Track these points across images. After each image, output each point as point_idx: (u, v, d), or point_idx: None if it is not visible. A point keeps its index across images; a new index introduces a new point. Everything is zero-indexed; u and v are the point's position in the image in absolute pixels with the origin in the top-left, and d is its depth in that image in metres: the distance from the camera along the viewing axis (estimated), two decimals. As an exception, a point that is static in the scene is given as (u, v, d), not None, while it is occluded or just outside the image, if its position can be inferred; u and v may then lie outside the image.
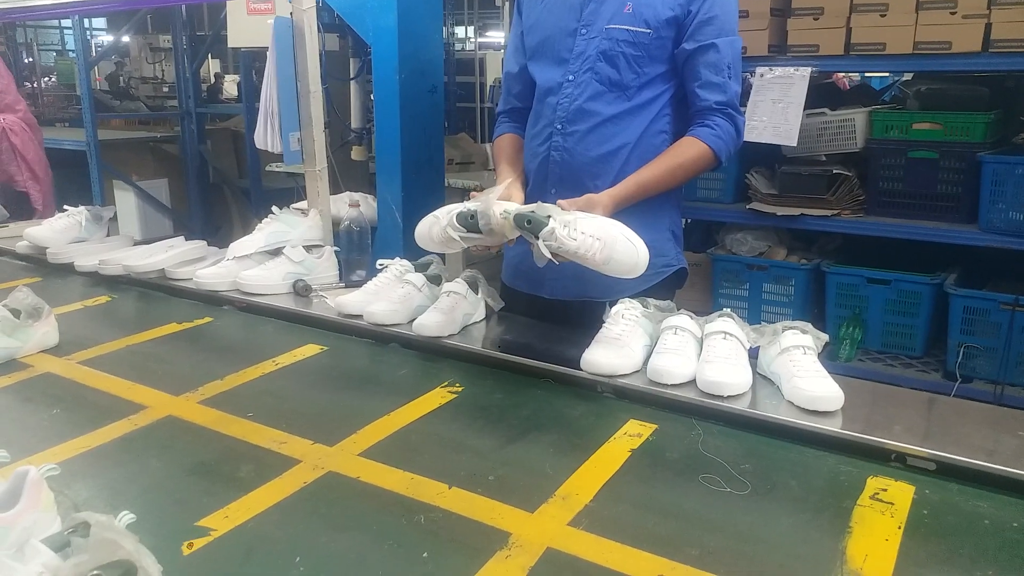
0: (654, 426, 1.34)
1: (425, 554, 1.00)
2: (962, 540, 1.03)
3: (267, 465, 1.22)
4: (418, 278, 1.89)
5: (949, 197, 3.39)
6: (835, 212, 3.56)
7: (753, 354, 1.56)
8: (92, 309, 2.03)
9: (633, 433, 1.32)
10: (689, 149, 1.74)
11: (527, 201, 1.79)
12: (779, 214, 3.62)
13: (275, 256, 2.16)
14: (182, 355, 1.73)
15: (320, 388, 1.57)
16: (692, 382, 1.48)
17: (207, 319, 1.94)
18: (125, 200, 4.71)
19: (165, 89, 7.29)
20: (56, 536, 0.86)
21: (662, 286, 1.85)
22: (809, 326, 1.56)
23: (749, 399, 1.43)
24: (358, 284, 2.10)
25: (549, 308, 1.89)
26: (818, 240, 4.01)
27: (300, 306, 2.01)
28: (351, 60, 3.23)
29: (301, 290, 2.08)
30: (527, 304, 1.92)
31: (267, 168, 4.65)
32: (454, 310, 1.76)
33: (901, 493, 1.13)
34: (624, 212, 1.66)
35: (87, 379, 1.56)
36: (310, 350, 1.72)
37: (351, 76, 3.19)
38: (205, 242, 2.39)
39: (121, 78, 7.53)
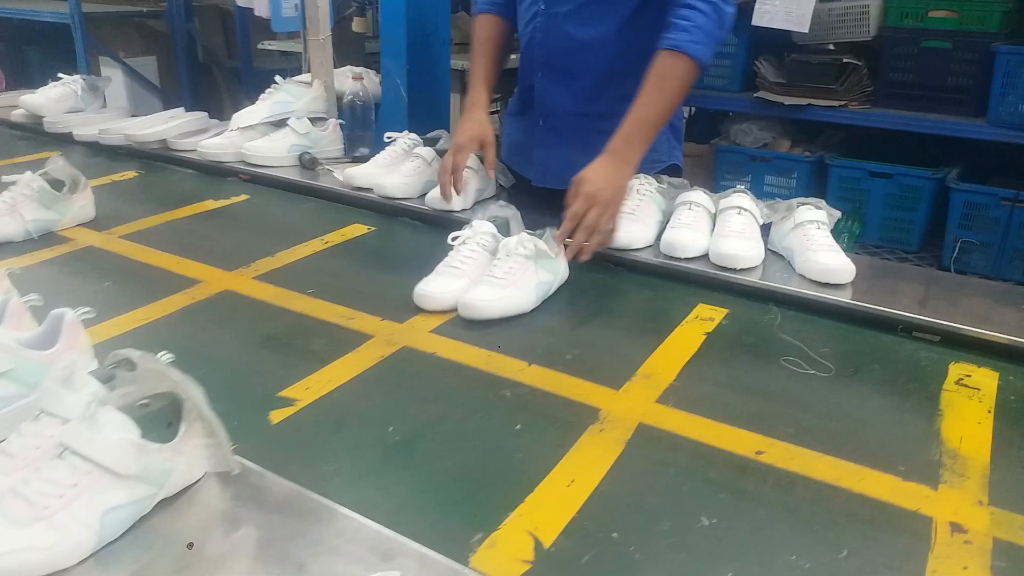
0: (724, 310, 1.32)
1: (518, 426, 0.99)
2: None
3: (339, 339, 1.19)
4: (428, 152, 1.85)
5: (960, 89, 3.34)
6: (843, 103, 3.51)
7: (764, 231, 1.57)
8: (121, 184, 1.95)
9: (704, 317, 1.30)
10: (677, 68, 1.52)
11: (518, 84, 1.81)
12: (786, 103, 3.56)
13: (279, 127, 2.11)
14: (225, 232, 1.67)
15: (377, 268, 1.53)
16: (705, 256, 1.48)
17: (244, 196, 1.87)
18: (112, 77, 4.55)
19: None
20: (101, 369, 0.86)
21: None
22: (823, 202, 1.57)
23: (767, 275, 1.43)
24: (363, 159, 2.07)
25: (547, 193, 1.83)
26: (823, 132, 3.96)
27: (306, 178, 1.99)
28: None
29: (307, 162, 2.04)
30: (528, 186, 1.86)
31: (259, 47, 4.49)
32: (467, 184, 1.74)
33: (986, 379, 1.13)
34: (622, 106, 1.55)
35: (133, 253, 1.50)
36: (357, 229, 1.67)
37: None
38: (206, 113, 2.33)
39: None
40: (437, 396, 1.06)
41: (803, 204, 1.56)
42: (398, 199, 1.78)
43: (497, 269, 1.29)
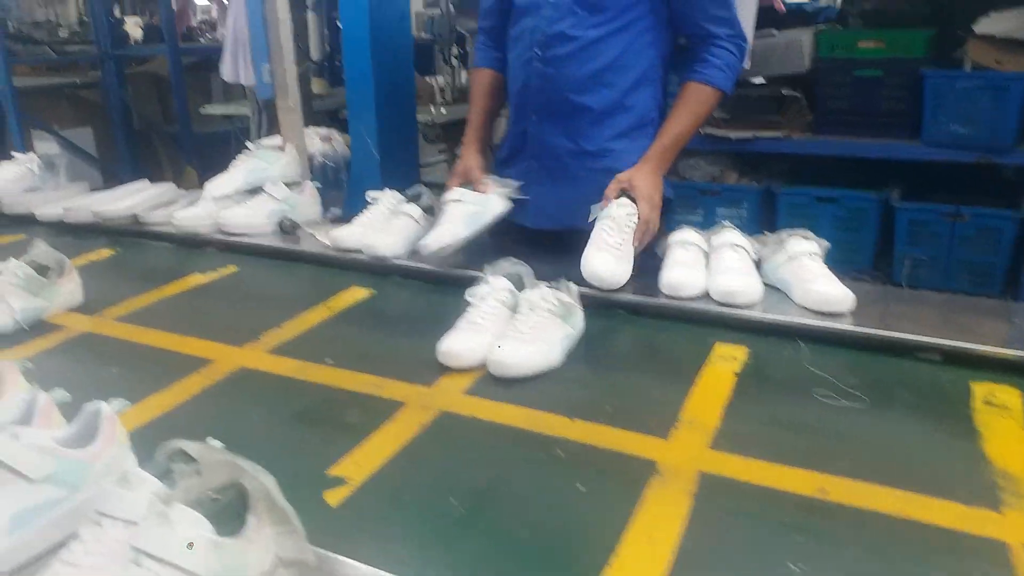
0: (744, 347, 1.34)
1: (579, 485, 0.97)
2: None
3: (373, 409, 1.16)
4: (414, 209, 1.85)
5: (894, 113, 3.51)
6: (785, 133, 3.65)
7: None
8: (99, 263, 1.88)
9: (727, 356, 1.32)
10: (706, 97, 1.72)
11: (509, 129, 1.90)
12: (733, 137, 3.68)
13: (254, 194, 2.08)
14: (222, 305, 1.63)
15: (388, 330, 1.50)
16: (704, 295, 1.51)
17: (231, 267, 1.82)
18: (47, 151, 4.42)
19: (64, 34, 6.78)
20: (155, 463, 0.82)
21: None
22: (810, 233, 1.62)
23: (767, 308, 1.46)
24: (341, 220, 2.05)
25: (536, 237, 1.86)
26: (766, 163, 4.10)
27: (287, 243, 1.96)
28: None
29: (288, 227, 2.01)
30: (516, 232, 1.88)
31: (202, 111, 4.43)
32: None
33: (1010, 397, 1.17)
34: (614, 143, 1.75)
35: (133, 336, 1.44)
36: (357, 292, 1.64)
37: (308, 6, 3.04)
38: (173, 184, 2.27)
39: (10, 23, 6.89)
40: (489, 461, 1.05)
41: (793, 236, 1.60)
42: (389, 258, 1.76)
43: (522, 324, 1.29)
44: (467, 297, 1.37)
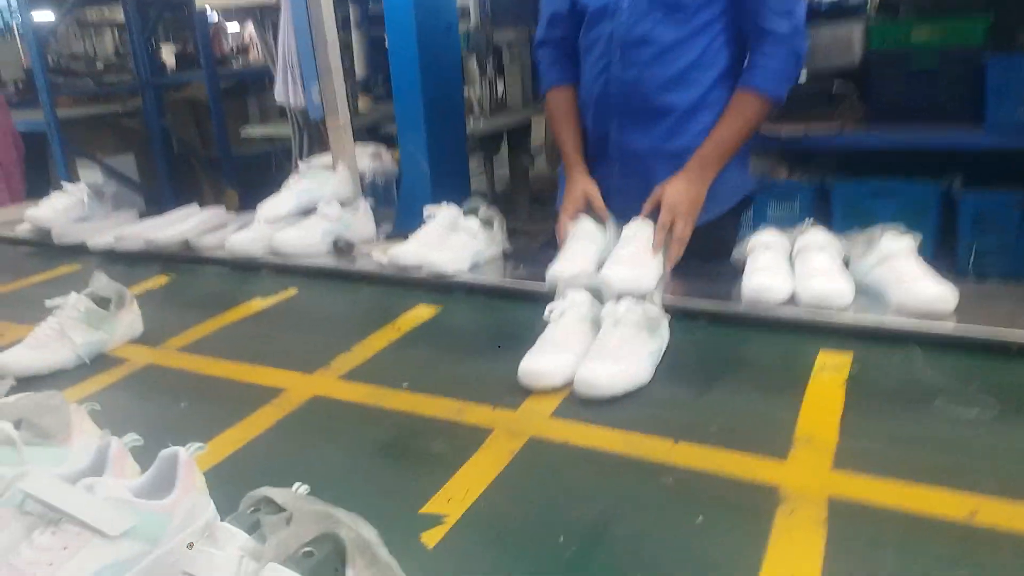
0: (850, 353, 1.25)
1: (699, 518, 0.89)
2: None
3: (458, 437, 1.09)
4: (473, 223, 1.79)
5: (953, 102, 3.38)
6: (838, 127, 3.53)
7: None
8: (156, 292, 1.84)
9: (832, 365, 1.22)
10: (755, 105, 1.65)
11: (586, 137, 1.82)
12: (783, 134, 3.57)
13: (307, 215, 2.03)
14: (287, 330, 1.56)
15: (463, 350, 1.42)
16: (790, 300, 1.41)
17: (291, 290, 1.76)
18: (91, 179, 4.45)
19: (101, 65, 6.90)
20: (242, 515, 0.76)
21: (733, 212, 1.80)
22: (902, 227, 1.52)
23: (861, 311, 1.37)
24: (395, 236, 1.99)
25: None
26: (816, 159, 3.98)
27: (344, 264, 1.90)
28: (350, 7, 3.03)
29: (344, 247, 1.96)
30: None
31: (242, 133, 4.43)
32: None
33: None
34: (698, 141, 1.68)
35: (198, 367, 1.39)
36: (424, 311, 1.58)
37: (352, 24, 3.00)
38: (223, 207, 2.24)
39: (49, 57, 7.07)
40: (593, 492, 0.96)
41: (886, 233, 1.50)
42: (450, 275, 1.70)
43: (608, 340, 1.21)
44: (547, 313, 1.30)
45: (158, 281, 1.92)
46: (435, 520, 0.92)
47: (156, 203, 4.74)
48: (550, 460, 1.04)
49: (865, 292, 1.43)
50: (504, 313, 1.57)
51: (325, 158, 2.21)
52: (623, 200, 1.75)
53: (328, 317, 1.67)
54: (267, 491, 0.76)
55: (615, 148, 1.77)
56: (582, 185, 1.74)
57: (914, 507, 0.88)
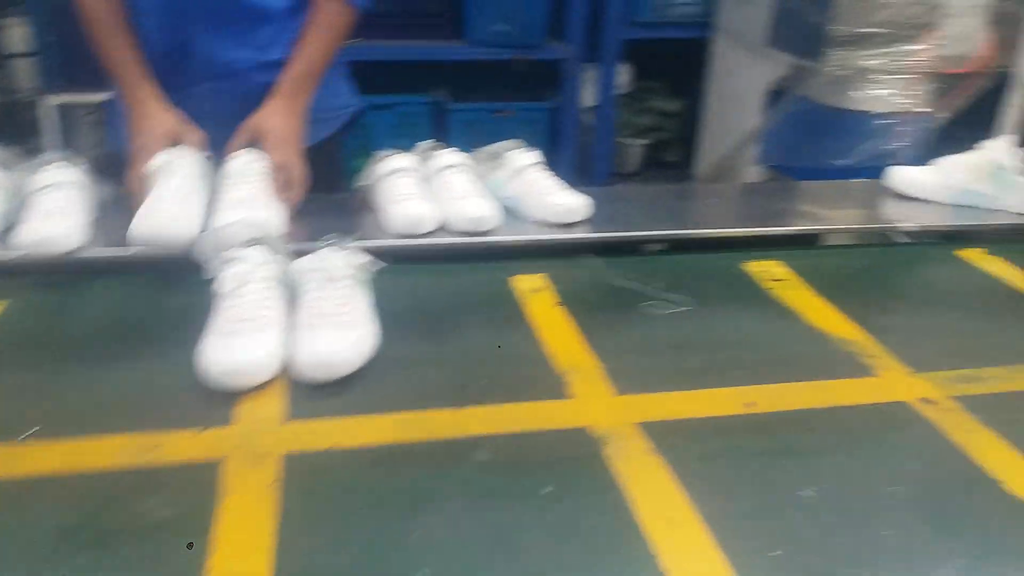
0: (541, 276, 1.21)
1: (549, 488, 0.76)
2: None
3: (181, 486, 0.75)
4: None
5: (435, 15, 3.55)
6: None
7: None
8: None
9: (534, 288, 1.17)
10: (337, 17, 1.42)
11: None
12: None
13: None
14: None
15: (86, 358, 0.98)
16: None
17: None
18: None
19: None
20: None
21: (343, 131, 1.59)
22: (522, 142, 1.53)
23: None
24: None
25: None
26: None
27: None
28: None
29: None
30: None
31: None
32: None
33: (779, 269, 1.26)
34: None
35: None
36: None
37: None
38: None
39: None
40: (411, 501, 0.76)
41: (510, 149, 1.49)
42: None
43: (324, 303, 0.95)
44: (217, 285, 0.97)
45: None
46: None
47: None
48: (330, 479, 0.78)
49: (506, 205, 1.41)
50: (121, 295, 1.14)
51: None
52: (216, 127, 1.40)
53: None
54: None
55: (201, 63, 1.39)
56: (163, 118, 1.32)
57: (697, 413, 0.91)
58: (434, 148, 1.49)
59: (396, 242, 1.23)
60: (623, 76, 3.66)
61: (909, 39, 2.29)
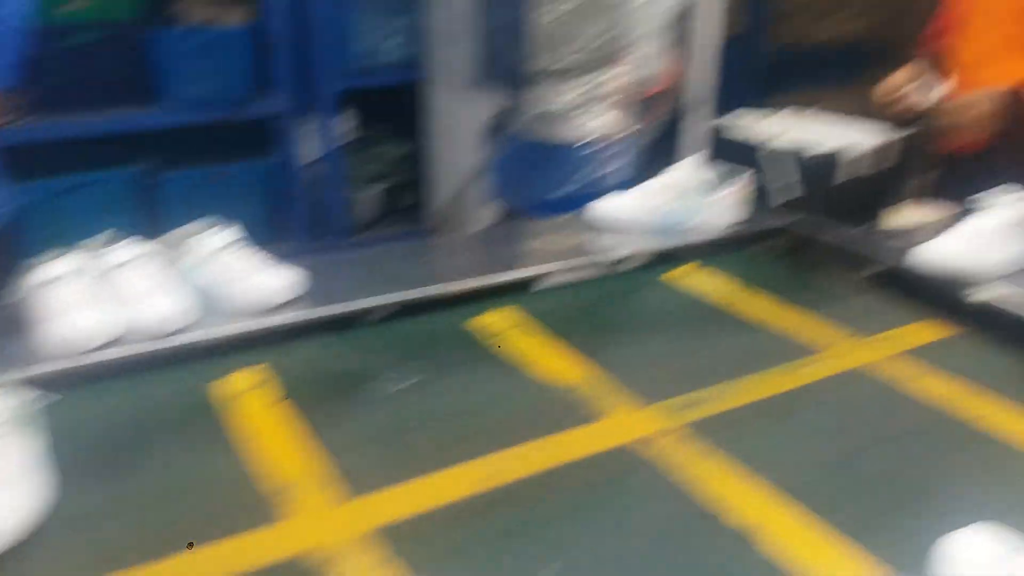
0: (262, 366, 1.09)
1: None
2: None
3: None
4: None
5: (123, 79, 3.24)
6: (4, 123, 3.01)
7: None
8: None
9: (246, 385, 1.05)
10: None
11: None
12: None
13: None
14: None
15: None
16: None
17: None
18: None
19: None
20: None
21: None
22: (216, 221, 1.39)
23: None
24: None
25: None
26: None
27: None
28: None
29: None
30: None
31: None
32: None
33: (503, 320, 1.24)
34: None
35: None
36: None
37: None
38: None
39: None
40: None
41: (202, 231, 1.34)
42: None
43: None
44: None
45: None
46: None
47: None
48: None
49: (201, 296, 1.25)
50: None
51: None
52: None
53: None
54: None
55: None
56: None
57: (436, 498, 0.84)
58: (110, 241, 1.29)
59: (64, 364, 1.03)
60: (346, 125, 3.57)
61: (600, 69, 2.42)
